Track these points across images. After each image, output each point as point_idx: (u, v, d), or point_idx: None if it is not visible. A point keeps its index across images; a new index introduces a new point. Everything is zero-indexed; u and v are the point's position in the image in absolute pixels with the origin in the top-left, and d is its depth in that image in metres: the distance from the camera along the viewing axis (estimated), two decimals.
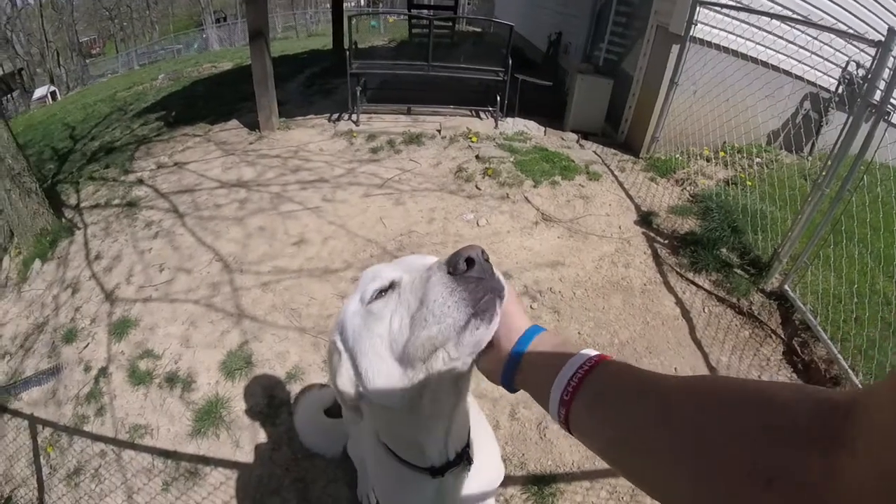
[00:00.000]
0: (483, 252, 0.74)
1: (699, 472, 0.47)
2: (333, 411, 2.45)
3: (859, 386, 2.65)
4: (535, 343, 0.73)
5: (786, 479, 0.40)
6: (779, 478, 0.41)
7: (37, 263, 4.68)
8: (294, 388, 3.00)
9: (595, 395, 0.61)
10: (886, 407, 0.35)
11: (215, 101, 8.67)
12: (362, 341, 0.84)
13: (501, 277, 0.77)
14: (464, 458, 1.10)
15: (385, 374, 0.81)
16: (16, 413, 3.43)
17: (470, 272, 0.73)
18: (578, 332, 3.28)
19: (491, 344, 0.77)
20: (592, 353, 0.66)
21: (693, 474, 0.48)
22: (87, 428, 3.11)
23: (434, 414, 0.93)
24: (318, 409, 2.48)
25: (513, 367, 0.74)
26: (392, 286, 0.84)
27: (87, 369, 3.46)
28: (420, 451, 1.03)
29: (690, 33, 4.55)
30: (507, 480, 2.46)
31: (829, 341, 2.93)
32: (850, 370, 2.75)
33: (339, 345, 0.89)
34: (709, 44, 4.61)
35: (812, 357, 3.00)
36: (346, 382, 0.88)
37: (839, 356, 2.83)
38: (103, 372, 3.39)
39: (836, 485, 0.37)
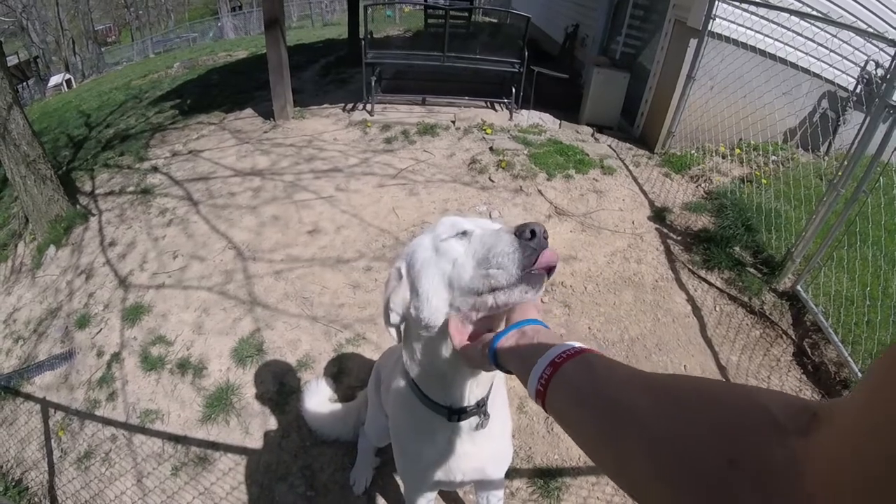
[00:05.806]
0: (545, 231, 0.88)
1: (666, 463, 0.49)
2: (338, 397, 2.54)
3: None
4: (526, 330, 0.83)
5: (750, 460, 0.43)
6: (743, 459, 0.43)
7: (51, 249, 4.73)
8: (304, 377, 3.02)
9: (567, 385, 0.66)
10: (849, 413, 0.39)
11: (230, 89, 8.68)
12: (428, 268, 1.00)
13: (556, 255, 0.90)
14: (482, 408, 1.21)
15: (440, 297, 0.98)
16: (28, 396, 3.47)
17: (531, 242, 0.87)
18: (589, 327, 3.27)
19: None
20: (576, 344, 0.71)
21: (660, 465, 0.50)
22: (98, 412, 3.15)
23: None
24: (324, 394, 2.53)
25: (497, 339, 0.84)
26: (465, 234, 1.00)
27: (100, 354, 3.50)
28: (443, 385, 1.15)
29: (709, 28, 4.51)
30: (514, 473, 2.47)
31: (839, 344, 2.91)
32: (860, 374, 2.72)
33: (403, 271, 1.07)
34: (727, 39, 4.56)
35: (822, 359, 2.98)
36: (398, 303, 1.06)
37: (850, 359, 2.81)
38: (116, 357, 3.43)
39: (798, 469, 0.40)
